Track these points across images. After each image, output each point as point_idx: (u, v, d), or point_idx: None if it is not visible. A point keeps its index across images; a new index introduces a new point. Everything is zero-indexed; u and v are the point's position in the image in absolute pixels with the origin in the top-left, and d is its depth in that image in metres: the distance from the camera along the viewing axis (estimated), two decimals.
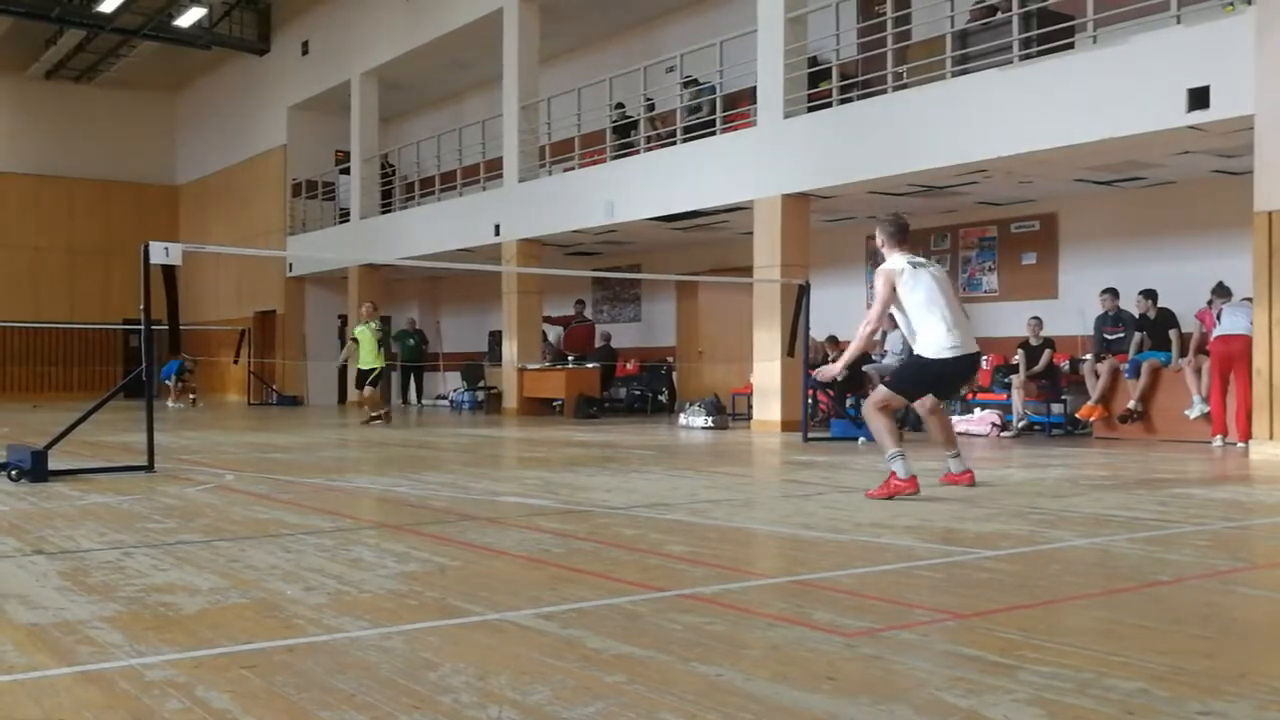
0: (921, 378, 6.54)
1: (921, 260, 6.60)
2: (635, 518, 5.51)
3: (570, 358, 18.64)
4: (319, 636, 3.04)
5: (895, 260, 6.50)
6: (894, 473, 6.13)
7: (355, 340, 15.29)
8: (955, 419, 13.07)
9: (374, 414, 14.58)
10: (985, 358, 13.71)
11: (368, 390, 14.77)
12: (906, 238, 6.68)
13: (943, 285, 6.52)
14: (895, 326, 14.83)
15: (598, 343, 18.95)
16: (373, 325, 14.98)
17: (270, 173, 25.87)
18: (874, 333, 6.68)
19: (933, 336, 6.33)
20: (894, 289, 6.39)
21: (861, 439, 11.20)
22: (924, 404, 6.84)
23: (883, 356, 14.93)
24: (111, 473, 7.82)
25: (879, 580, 3.91)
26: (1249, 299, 9.89)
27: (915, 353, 6.50)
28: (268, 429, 14.30)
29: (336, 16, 23.38)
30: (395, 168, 23.22)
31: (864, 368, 14.76)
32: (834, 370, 7.09)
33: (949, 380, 6.72)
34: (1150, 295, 11.78)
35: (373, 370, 14.82)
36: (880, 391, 6.57)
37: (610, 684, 2.57)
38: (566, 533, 5.00)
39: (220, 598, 3.55)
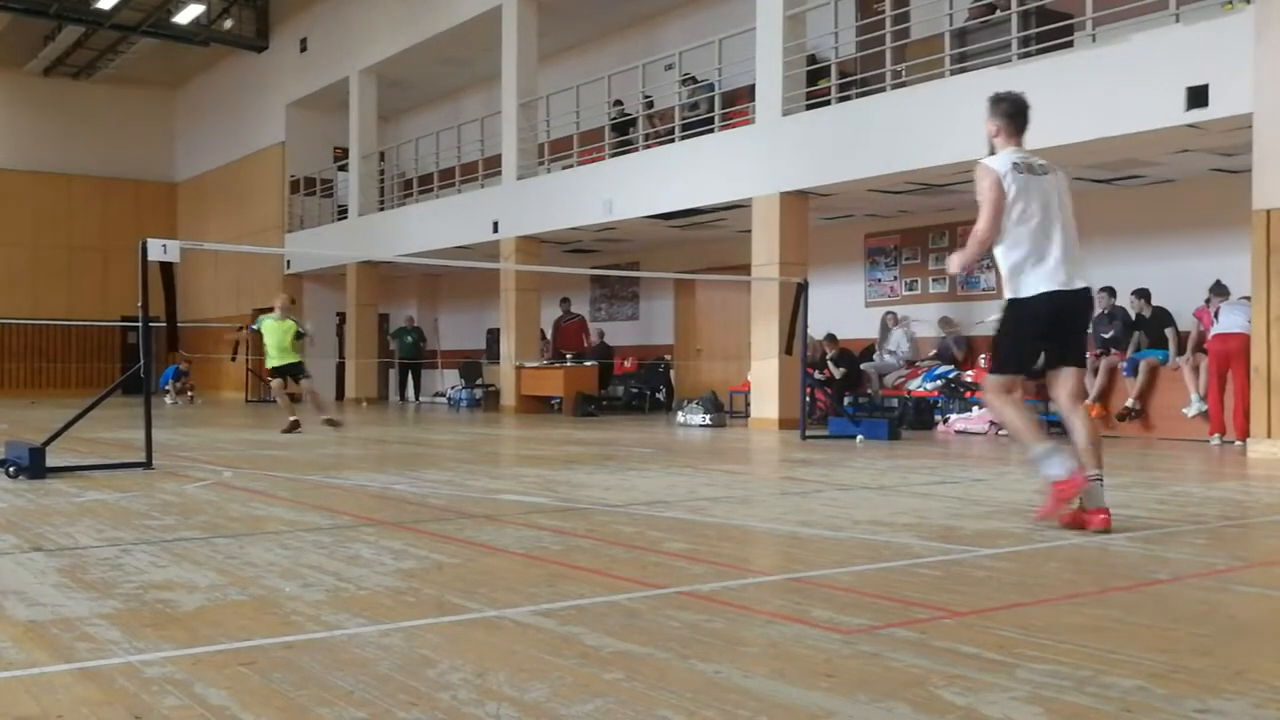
0: (1018, 330, 5.01)
1: (1041, 164, 5.13)
2: (633, 515, 5.51)
3: (567, 356, 18.65)
4: (317, 633, 3.04)
5: (1002, 159, 5.05)
6: (1051, 480, 4.79)
7: (257, 332, 13.77)
8: (954, 418, 13.10)
9: (293, 418, 12.81)
10: (984, 356, 13.81)
11: (304, 383, 13.03)
12: (1025, 126, 5.24)
13: (1060, 201, 5.06)
14: (898, 323, 15.00)
15: (589, 339, 18.94)
16: (282, 319, 13.01)
17: (269, 170, 25.86)
18: (988, 240, 4.97)
19: (1028, 268, 4.92)
20: (1001, 192, 4.92)
21: (860, 436, 11.21)
22: (1059, 385, 5.10)
23: (883, 356, 14.96)
24: (110, 469, 7.82)
25: (877, 577, 3.91)
26: (1247, 297, 9.89)
27: (1009, 296, 5.03)
28: (266, 426, 14.29)
29: (335, 13, 23.36)
30: (382, 168, 23.20)
31: (862, 365, 14.80)
32: (959, 261, 5.19)
33: (1057, 329, 4.97)
34: (1142, 294, 11.79)
35: (293, 365, 13.05)
36: (987, 382, 5.19)
37: (608, 681, 2.57)
38: (565, 530, 5.00)
39: (218, 595, 3.55)
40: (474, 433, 13.19)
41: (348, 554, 4.31)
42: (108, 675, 2.62)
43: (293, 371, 13.05)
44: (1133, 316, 11.93)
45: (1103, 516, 4.84)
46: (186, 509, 5.74)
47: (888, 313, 15.27)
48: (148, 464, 7.79)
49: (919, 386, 14.03)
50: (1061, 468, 4.75)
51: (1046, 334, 4.99)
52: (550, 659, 2.76)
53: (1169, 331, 11.58)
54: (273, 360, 13.04)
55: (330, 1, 23.54)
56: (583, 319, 19.81)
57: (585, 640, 2.94)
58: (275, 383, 13.31)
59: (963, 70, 11.56)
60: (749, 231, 14.12)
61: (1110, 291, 12.18)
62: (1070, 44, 10.85)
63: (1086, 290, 5.05)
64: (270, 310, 13.29)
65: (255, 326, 13.30)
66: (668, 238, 17.60)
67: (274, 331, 12.92)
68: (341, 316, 24.14)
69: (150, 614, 3.27)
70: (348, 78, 22.98)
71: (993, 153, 5.17)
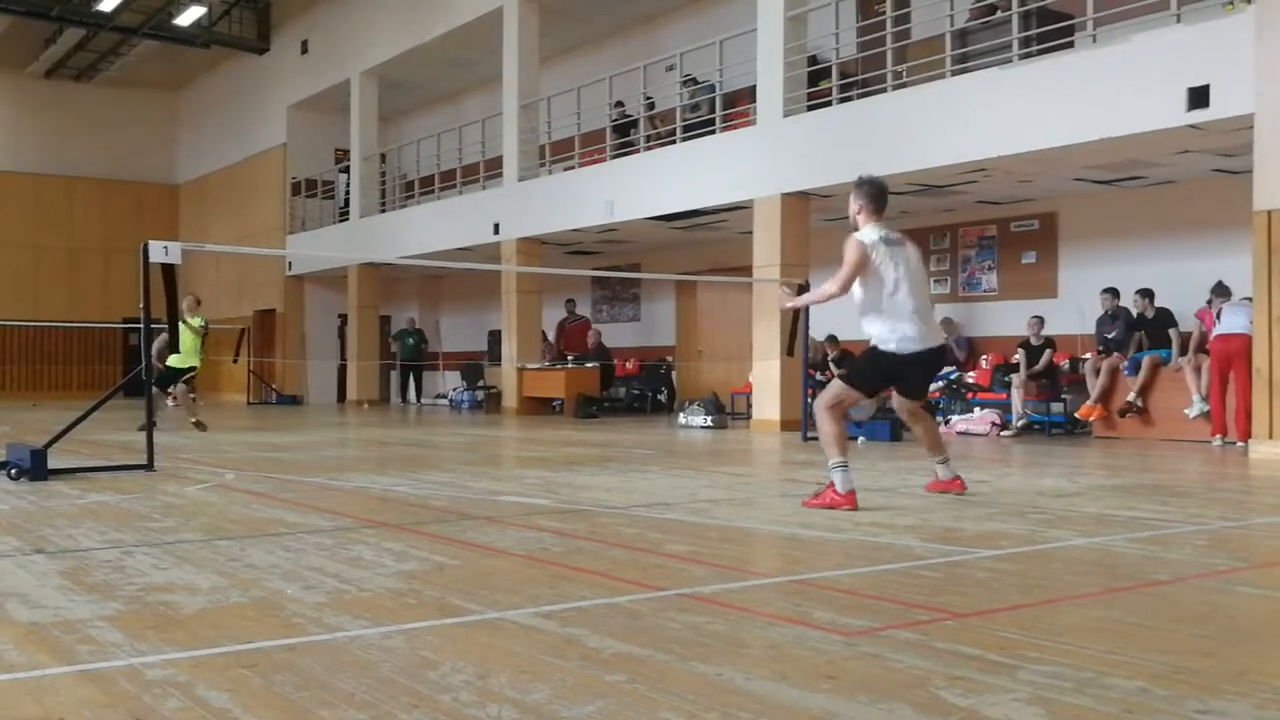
0: (873, 370, 5.99)
1: (897, 237, 6.02)
2: (635, 517, 5.51)
3: (570, 357, 18.65)
4: (319, 635, 3.04)
5: (868, 233, 5.93)
6: (832, 484, 5.68)
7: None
8: (955, 419, 13.10)
9: (195, 418, 13.07)
10: (985, 357, 13.82)
11: (180, 388, 13.24)
12: (884, 206, 6.10)
13: (915, 270, 5.95)
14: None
15: (591, 341, 18.95)
16: (195, 321, 12.99)
17: (270, 172, 25.87)
18: (834, 296, 6.05)
19: (890, 325, 5.83)
20: (866, 262, 5.82)
21: (860, 438, 11.21)
22: (903, 406, 6.32)
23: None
24: (111, 471, 7.82)
25: (878, 579, 3.91)
26: (1248, 298, 9.89)
27: (871, 342, 5.97)
28: (267, 428, 14.30)
29: (336, 15, 23.37)
30: (384, 169, 23.20)
31: None
32: (798, 301, 7.08)
33: (908, 377, 6.05)
34: (1147, 294, 11.79)
35: (187, 370, 13.11)
36: (832, 388, 6.06)
37: (610, 683, 2.57)
38: (566, 532, 5.00)
39: (220, 597, 3.55)
40: (475, 434, 13.19)
41: (349, 556, 4.31)
42: (109, 677, 2.63)
43: (187, 375, 13.19)
44: (1135, 316, 11.92)
45: (958, 482, 6.25)
46: (188, 511, 5.74)
47: None
48: (149, 466, 7.80)
49: None
50: (844, 484, 5.64)
51: (891, 379, 6.09)
52: (552, 661, 2.76)
53: (1172, 332, 11.58)
54: (181, 361, 12.88)
55: (331, 3, 23.56)
56: (588, 320, 19.81)
57: (587, 642, 2.94)
58: (180, 387, 13.48)
59: (964, 71, 11.56)
60: (750, 233, 14.12)
61: (1113, 293, 12.18)
62: (1071, 44, 10.85)
63: (940, 348, 6.13)
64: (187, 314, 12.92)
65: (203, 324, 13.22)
66: (669, 239, 17.60)
67: (187, 334, 12.80)
68: (343, 318, 24.15)
69: (152, 616, 3.27)
70: (349, 79, 22.99)
71: (856, 229, 6.06)
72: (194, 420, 13.01)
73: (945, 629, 3.10)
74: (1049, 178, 12.32)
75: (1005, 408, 12.82)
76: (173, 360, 12.83)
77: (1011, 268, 14.28)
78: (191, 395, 13.79)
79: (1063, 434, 12.51)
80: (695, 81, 15.68)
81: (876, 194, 6.07)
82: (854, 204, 6.11)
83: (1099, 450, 10.32)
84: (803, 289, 11.83)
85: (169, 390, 13.60)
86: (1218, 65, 9.35)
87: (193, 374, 13.36)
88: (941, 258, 15.11)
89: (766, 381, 13.75)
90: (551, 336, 20.17)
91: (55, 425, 8.50)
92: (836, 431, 5.77)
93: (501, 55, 18.39)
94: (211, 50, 26.16)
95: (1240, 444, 10.14)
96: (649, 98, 16.59)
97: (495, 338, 21.10)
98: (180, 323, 11.94)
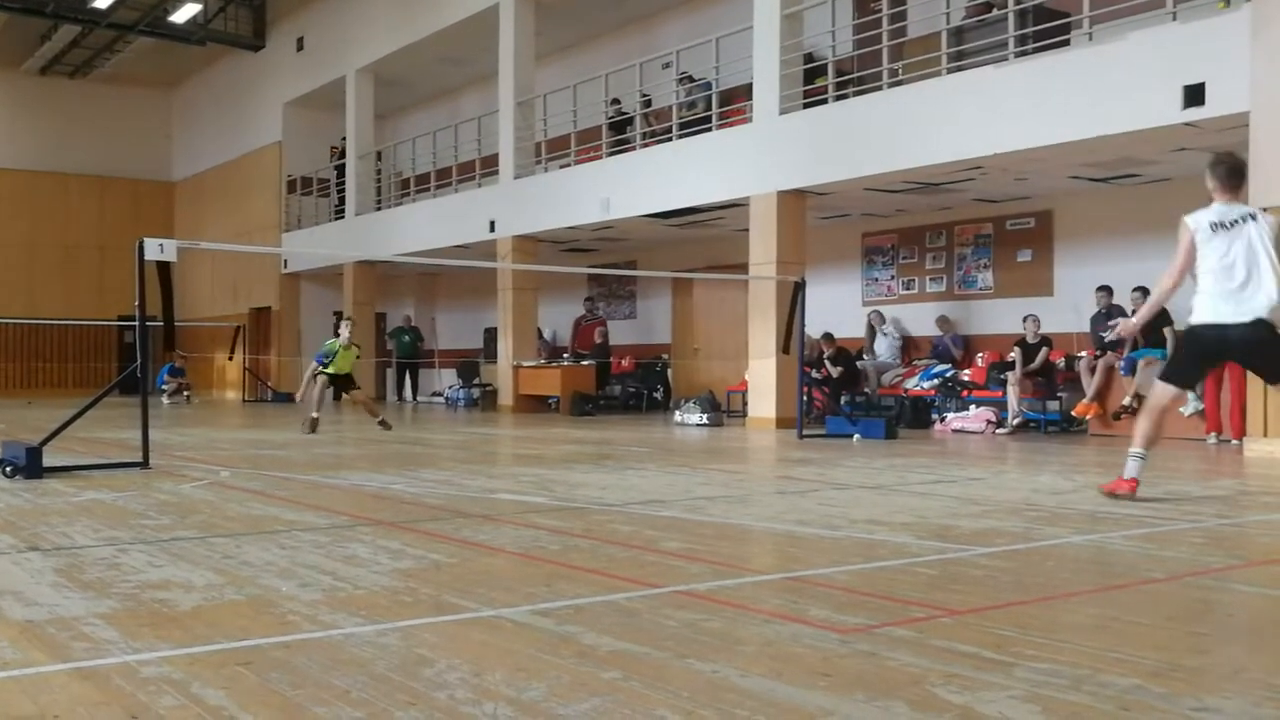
0: (1184, 349, 5.89)
1: (1240, 215, 5.82)
2: (631, 515, 5.51)
3: (566, 355, 18.64)
4: (314, 633, 3.03)
5: (1200, 217, 5.86)
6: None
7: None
8: (951, 417, 13.12)
9: (379, 418, 13.30)
10: (981, 355, 13.83)
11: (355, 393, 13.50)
12: (1239, 183, 5.95)
13: (1259, 243, 5.74)
14: (884, 323, 15.02)
15: (597, 339, 18.96)
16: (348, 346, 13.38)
17: (265, 169, 25.84)
18: (1174, 288, 6.03)
19: (1209, 300, 5.73)
20: (1193, 247, 5.76)
21: (857, 435, 11.21)
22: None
23: (875, 357, 14.99)
24: (106, 469, 7.81)
25: (874, 576, 3.91)
26: None
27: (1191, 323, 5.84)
28: (263, 426, 14.29)
29: (331, 12, 23.34)
30: (379, 167, 23.16)
31: (858, 363, 14.81)
32: (1133, 325, 6.50)
33: (1212, 355, 5.99)
34: (1144, 292, 11.79)
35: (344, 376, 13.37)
36: (1157, 390, 6.00)
37: (606, 680, 2.57)
38: (562, 530, 5.00)
39: (215, 594, 3.55)
40: (471, 432, 13.18)
41: (345, 554, 4.31)
42: (104, 675, 2.62)
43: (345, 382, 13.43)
44: (1131, 314, 11.92)
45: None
46: (183, 509, 5.73)
47: (873, 312, 15.31)
48: (145, 464, 7.79)
49: (916, 385, 14.04)
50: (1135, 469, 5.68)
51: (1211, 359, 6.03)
52: (547, 658, 2.76)
53: (1167, 330, 11.58)
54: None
55: (327, 0, 23.52)
56: (603, 319, 19.76)
57: (582, 639, 2.94)
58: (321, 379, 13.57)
59: (959, 69, 11.56)
60: (746, 230, 14.12)
61: (1108, 291, 12.20)
62: (1067, 42, 10.85)
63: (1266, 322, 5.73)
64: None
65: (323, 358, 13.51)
66: (665, 237, 17.60)
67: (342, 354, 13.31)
68: (339, 316, 24.11)
69: (147, 614, 3.27)
70: (344, 77, 22.96)
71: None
72: (378, 420, 13.11)
73: (941, 626, 3.11)
74: (1045, 176, 12.32)
75: (1001, 406, 12.83)
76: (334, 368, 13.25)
77: (1007, 266, 14.29)
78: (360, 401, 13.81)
79: (1058, 432, 12.53)
80: (691, 79, 15.68)
81: (1228, 173, 5.94)
82: (1209, 182, 6.03)
83: (1094, 448, 10.34)
84: (799, 286, 11.84)
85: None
86: (1213, 63, 9.36)
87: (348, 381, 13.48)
88: (937, 256, 15.12)
89: (762, 379, 13.76)
90: (549, 334, 20.17)
91: (50, 423, 8.49)
92: (1150, 430, 5.86)
93: (497, 52, 18.37)
94: (207, 47, 26.11)
95: (1235, 442, 10.15)
96: (645, 95, 16.58)
97: (491, 335, 21.09)
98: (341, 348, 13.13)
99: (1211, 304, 5.73)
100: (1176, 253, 5.81)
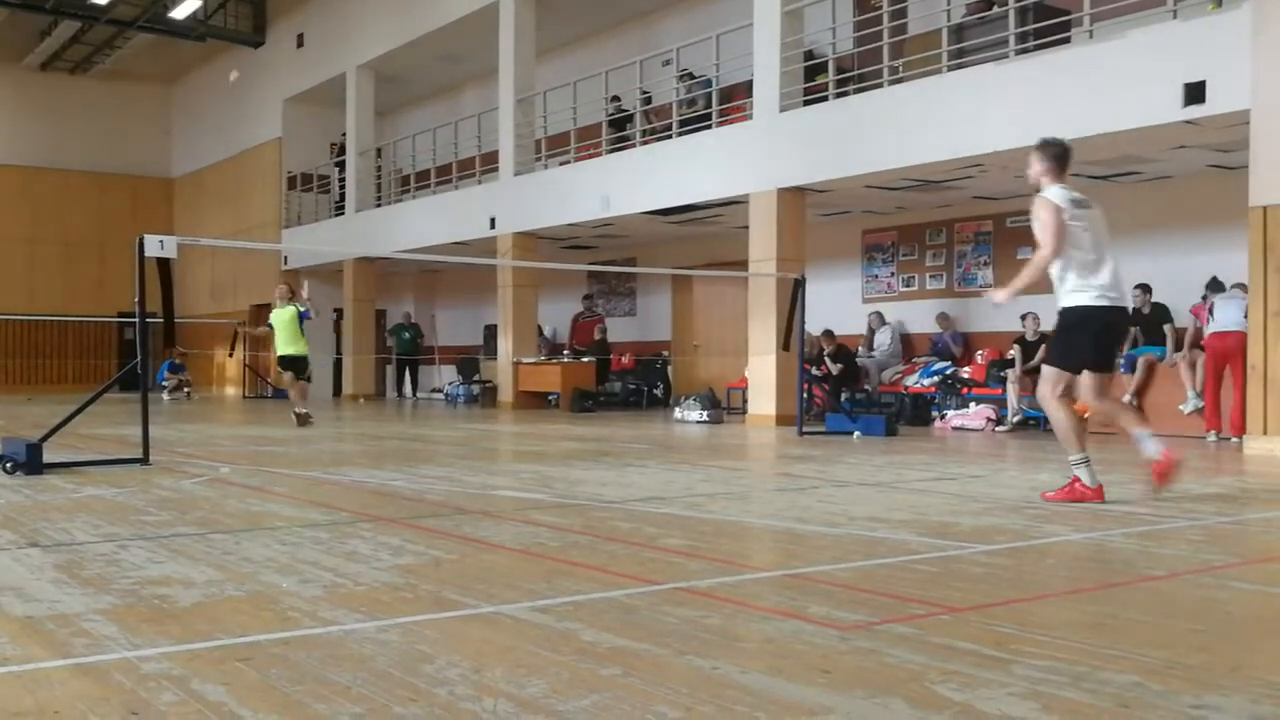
0: (1083, 333, 5.77)
1: (1082, 198, 5.86)
2: (631, 511, 5.51)
3: (566, 352, 18.64)
4: (314, 629, 3.04)
5: (1056, 193, 5.76)
6: (1077, 478, 5.76)
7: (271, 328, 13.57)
8: (951, 414, 13.12)
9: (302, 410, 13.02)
10: (981, 353, 13.85)
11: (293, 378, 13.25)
12: (1067, 166, 5.94)
13: (1103, 228, 5.87)
14: (885, 323, 15.04)
15: (596, 335, 18.96)
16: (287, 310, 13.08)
17: (265, 166, 25.82)
18: (1048, 261, 5.77)
19: (1093, 282, 5.72)
20: (1064, 224, 5.66)
21: (856, 433, 11.22)
22: (1094, 386, 5.86)
23: (871, 353, 14.98)
24: (106, 465, 7.81)
25: (874, 574, 3.91)
26: (1241, 284, 9.92)
27: (1066, 306, 5.81)
28: (263, 422, 14.29)
29: (331, 9, 23.32)
30: (379, 164, 23.16)
31: (856, 359, 14.81)
32: (1003, 294, 6.10)
33: (1112, 335, 5.90)
34: (1144, 289, 11.80)
35: (301, 358, 13.22)
36: (1047, 374, 5.92)
37: (606, 677, 2.57)
38: (562, 526, 5.00)
39: (215, 590, 3.55)
40: (471, 429, 13.18)
41: (345, 550, 4.31)
42: (104, 671, 2.62)
43: (295, 365, 13.05)
44: (1131, 311, 11.92)
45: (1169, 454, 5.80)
46: (183, 505, 5.74)
47: (873, 313, 15.32)
48: (145, 460, 7.79)
49: (916, 383, 14.04)
50: (1090, 479, 5.70)
51: (1100, 341, 5.82)
52: (547, 655, 2.76)
53: (1167, 328, 11.59)
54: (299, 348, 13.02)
55: None
56: (601, 316, 19.76)
57: (582, 636, 2.94)
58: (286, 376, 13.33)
59: (960, 66, 11.56)
60: (746, 227, 14.11)
61: None
62: (1068, 40, 10.85)
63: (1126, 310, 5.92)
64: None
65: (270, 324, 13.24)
66: (665, 234, 17.59)
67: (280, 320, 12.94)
68: (339, 312, 24.12)
69: (147, 610, 3.27)
70: (344, 73, 22.94)
71: (1039, 190, 5.83)
72: (300, 412, 12.72)
73: (940, 624, 3.11)
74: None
75: (1000, 403, 12.84)
76: (281, 349, 12.83)
77: (1007, 263, 14.27)
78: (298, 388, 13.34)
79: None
80: (691, 76, 15.67)
81: (1061, 155, 5.90)
82: (1036, 166, 5.95)
83: (1093, 445, 10.29)
84: (799, 283, 11.84)
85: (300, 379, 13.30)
86: (1214, 61, 9.35)
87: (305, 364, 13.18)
88: (937, 253, 15.12)
89: (762, 376, 13.76)
90: (549, 331, 20.16)
91: (50, 419, 8.49)
92: (1069, 420, 5.78)
93: (497, 49, 18.36)
94: (207, 43, 26.11)
95: (1235, 439, 10.15)
96: (645, 92, 16.57)
97: (491, 332, 21.09)
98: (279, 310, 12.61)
99: (1096, 286, 5.75)
100: (1048, 231, 5.68)
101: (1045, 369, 6.01)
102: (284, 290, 13.26)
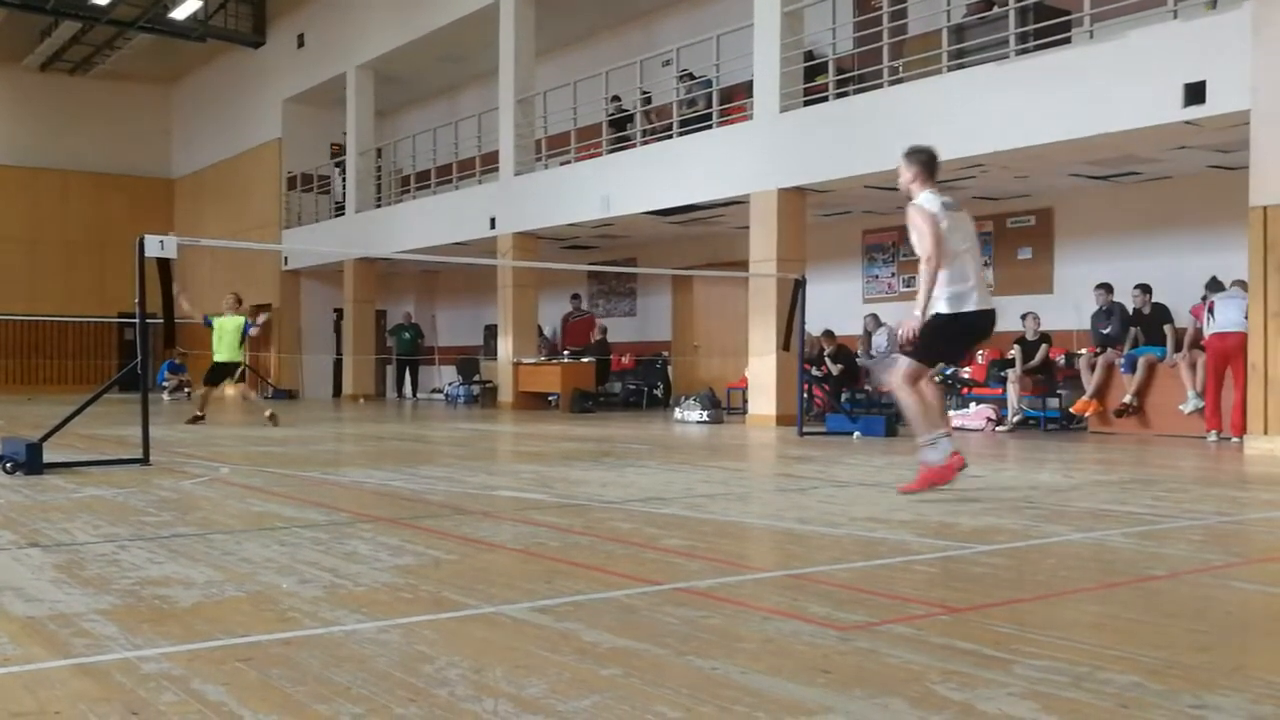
0: (946, 334, 5.96)
1: (951, 201, 6.07)
2: (631, 512, 5.51)
3: (566, 352, 18.65)
4: (315, 629, 3.04)
5: (928, 200, 5.94)
6: (923, 463, 5.94)
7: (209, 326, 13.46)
8: (950, 414, 13.11)
9: (269, 412, 13.11)
10: (982, 352, 13.85)
11: (241, 386, 13.52)
12: (935, 171, 6.12)
13: (972, 233, 6.08)
14: (881, 325, 15.03)
15: (595, 336, 18.96)
16: (232, 320, 13.08)
17: (265, 166, 25.82)
18: (938, 269, 5.86)
19: (960, 288, 5.88)
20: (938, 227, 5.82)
21: (856, 433, 11.22)
22: (921, 373, 6.09)
23: (870, 354, 14.98)
24: (106, 466, 7.81)
25: (874, 574, 3.91)
26: (1241, 281, 9.92)
27: (941, 312, 5.94)
28: (262, 423, 14.27)
29: (332, 9, 23.33)
30: (379, 164, 23.15)
31: (857, 359, 14.81)
32: (917, 320, 5.95)
33: (973, 338, 6.21)
34: (1145, 289, 11.81)
35: (234, 365, 13.16)
36: (903, 364, 6.05)
37: (606, 677, 2.57)
38: (562, 527, 5.00)
39: (216, 591, 3.55)
40: (471, 429, 13.19)
41: (345, 550, 4.31)
42: (104, 671, 2.62)
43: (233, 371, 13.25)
44: (1131, 311, 11.94)
45: (958, 458, 6.01)
46: (183, 505, 5.74)
47: (868, 315, 15.31)
48: (145, 460, 7.79)
49: None
50: (939, 455, 5.93)
51: (959, 343, 6.28)
52: (547, 655, 2.76)
53: (1167, 328, 11.59)
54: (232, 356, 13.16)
55: None
56: (592, 315, 19.78)
57: (583, 636, 2.94)
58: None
59: (960, 67, 11.56)
60: (746, 228, 14.12)
61: (1107, 288, 12.20)
62: (1068, 40, 10.85)
63: (994, 310, 6.18)
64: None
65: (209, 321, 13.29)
66: (665, 234, 17.60)
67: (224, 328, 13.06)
68: (339, 313, 24.13)
69: (147, 610, 3.27)
70: (344, 74, 22.94)
71: (910, 198, 6.05)
72: (268, 414, 12.97)
73: (940, 624, 3.11)
74: (1045, 174, 12.32)
75: (1001, 403, 12.84)
76: (221, 356, 13.01)
77: (1007, 263, 14.29)
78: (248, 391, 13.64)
79: (1058, 429, 12.53)
80: (692, 76, 15.67)
81: (928, 161, 6.07)
82: (905, 173, 6.10)
83: (1094, 445, 10.34)
84: (800, 283, 11.84)
85: (218, 385, 13.59)
86: (1214, 61, 9.35)
87: (241, 369, 13.40)
88: None
89: (762, 376, 13.76)
90: (549, 331, 20.15)
91: (50, 419, 8.49)
92: (920, 403, 5.95)
93: (497, 49, 18.37)
94: (207, 44, 26.11)
95: (1235, 439, 10.15)
96: (645, 92, 16.57)
97: (491, 332, 21.09)
98: (218, 318, 12.89)
99: (966, 290, 5.91)
100: (926, 239, 5.82)
101: (904, 360, 6.11)
102: (231, 300, 13.39)
